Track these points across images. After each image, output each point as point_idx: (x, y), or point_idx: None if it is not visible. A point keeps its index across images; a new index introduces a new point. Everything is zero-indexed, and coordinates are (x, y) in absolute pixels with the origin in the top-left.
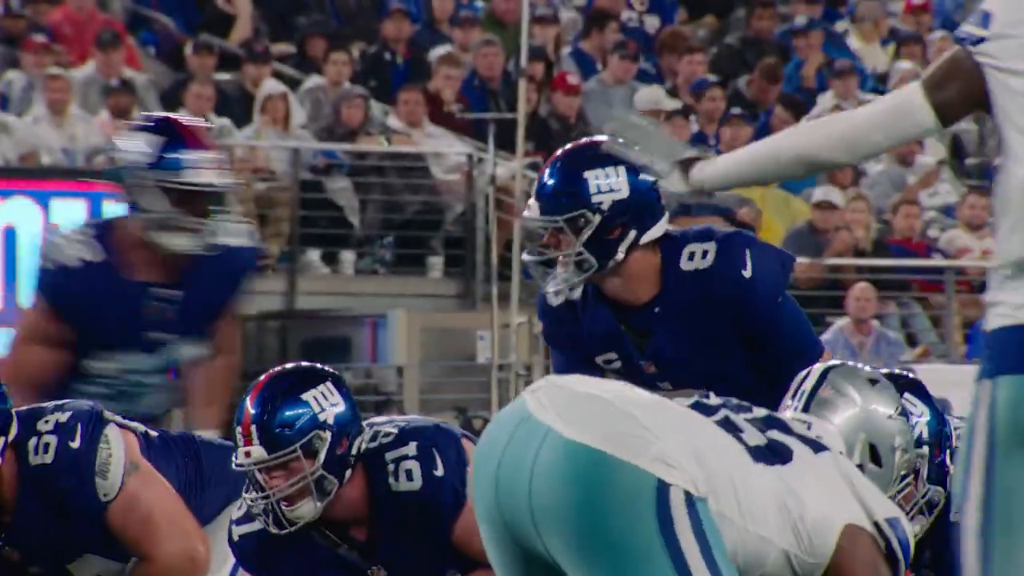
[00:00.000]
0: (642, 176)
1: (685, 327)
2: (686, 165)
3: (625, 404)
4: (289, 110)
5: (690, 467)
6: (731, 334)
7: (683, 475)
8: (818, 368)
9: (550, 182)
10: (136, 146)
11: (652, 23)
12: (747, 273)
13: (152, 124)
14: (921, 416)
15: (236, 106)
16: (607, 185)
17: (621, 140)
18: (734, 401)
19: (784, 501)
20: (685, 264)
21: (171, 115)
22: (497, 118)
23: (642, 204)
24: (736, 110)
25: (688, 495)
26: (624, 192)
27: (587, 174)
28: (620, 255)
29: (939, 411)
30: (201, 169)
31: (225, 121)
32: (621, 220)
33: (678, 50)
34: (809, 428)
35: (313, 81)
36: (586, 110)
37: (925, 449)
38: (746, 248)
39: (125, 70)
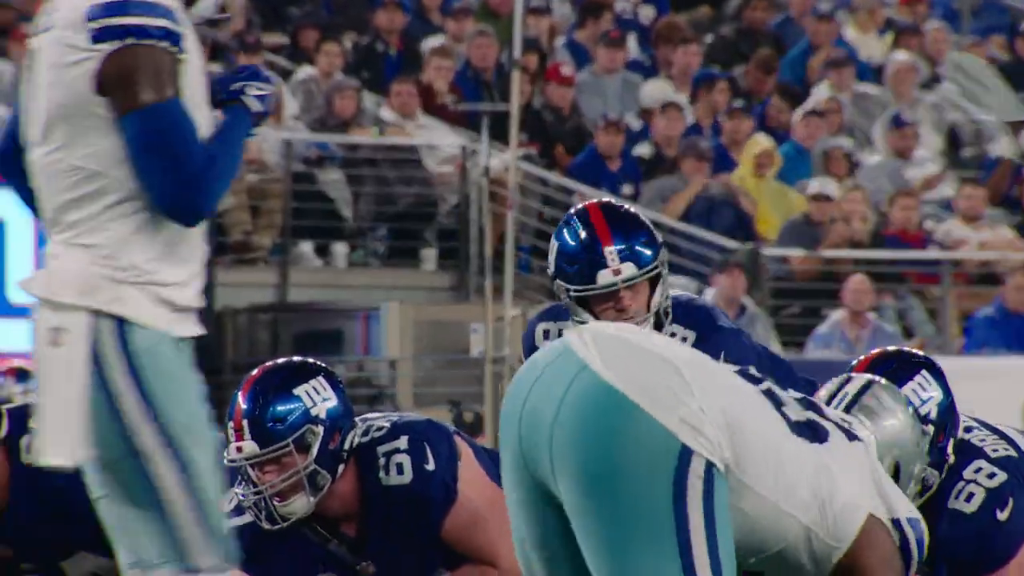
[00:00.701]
0: None
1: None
2: (1017, 127)
3: (670, 356)
4: (281, 101)
5: (717, 435)
6: None
7: (708, 444)
8: (862, 377)
9: (620, 246)
10: None
11: (647, 14)
12: None
13: None
14: (933, 396)
15: None
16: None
17: (961, 86)
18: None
19: (817, 477)
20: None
21: None
22: (491, 110)
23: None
24: (739, 103)
25: (708, 467)
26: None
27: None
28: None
29: (952, 397)
30: None
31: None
32: (663, 263)
33: (673, 41)
34: (848, 423)
35: (305, 72)
36: (579, 101)
37: (931, 428)
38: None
39: None
